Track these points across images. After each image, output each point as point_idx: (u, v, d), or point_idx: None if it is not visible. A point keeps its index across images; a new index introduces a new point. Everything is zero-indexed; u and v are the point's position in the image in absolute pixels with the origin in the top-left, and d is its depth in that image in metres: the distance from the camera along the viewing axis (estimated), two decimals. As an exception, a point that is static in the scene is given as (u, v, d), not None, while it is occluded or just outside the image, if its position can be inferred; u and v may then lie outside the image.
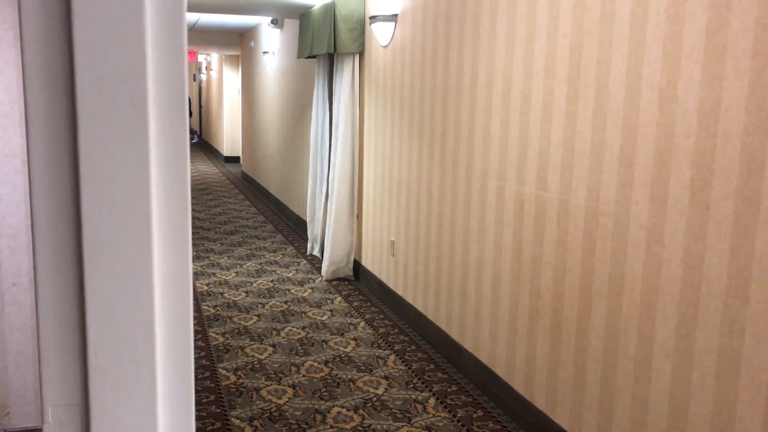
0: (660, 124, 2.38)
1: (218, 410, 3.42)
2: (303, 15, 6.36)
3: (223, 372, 3.90)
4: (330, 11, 5.37)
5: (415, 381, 3.80)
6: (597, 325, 2.76)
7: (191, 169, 13.82)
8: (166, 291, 0.88)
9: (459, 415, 3.41)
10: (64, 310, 0.79)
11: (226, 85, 15.38)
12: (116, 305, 0.78)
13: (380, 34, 4.89)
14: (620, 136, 2.58)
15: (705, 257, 2.21)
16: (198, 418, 3.33)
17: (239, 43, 12.61)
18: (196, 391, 3.62)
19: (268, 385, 3.72)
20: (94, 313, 0.78)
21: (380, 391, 3.66)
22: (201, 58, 18.69)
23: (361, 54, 5.49)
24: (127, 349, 0.79)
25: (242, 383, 3.75)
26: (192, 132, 20.56)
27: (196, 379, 3.79)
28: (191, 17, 9.80)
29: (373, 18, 4.88)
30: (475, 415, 3.41)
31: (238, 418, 3.33)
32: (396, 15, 4.74)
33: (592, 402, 2.80)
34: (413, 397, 3.60)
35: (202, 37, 12.60)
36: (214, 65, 17.32)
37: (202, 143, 20.38)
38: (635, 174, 2.51)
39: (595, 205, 2.74)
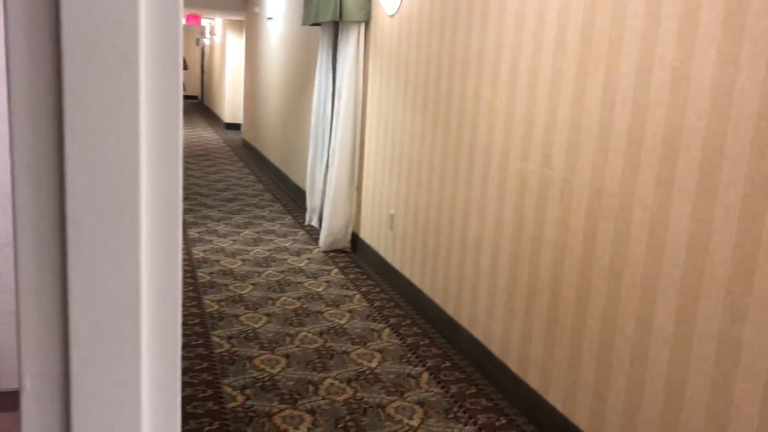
0: (671, 104, 2.33)
1: (210, 378, 3.41)
2: (309, -19, 6.24)
3: (217, 340, 3.88)
4: (336, -23, 5.26)
5: (409, 355, 3.79)
6: (595, 306, 2.73)
7: (191, 134, 13.73)
8: (154, 260, 0.83)
9: (452, 391, 3.40)
10: (46, 277, 0.75)
11: (229, 50, 15.21)
12: (99, 273, 0.74)
13: (387, 2, 4.80)
14: (629, 115, 2.53)
15: (710, 242, 2.17)
16: (190, 385, 3.32)
17: (244, 8, 12.43)
18: (189, 359, 3.60)
19: (261, 354, 3.71)
20: (77, 280, 0.74)
21: (374, 365, 3.64)
22: (204, 22, 18.46)
23: (367, 23, 5.40)
24: (111, 320, 0.75)
25: (236, 351, 3.73)
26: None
27: (189, 345, 3.78)
28: (195, -21, 9.63)
29: (380, -14, 4.78)
30: (468, 392, 3.40)
31: (230, 386, 3.32)
32: (404, -16, 4.64)
33: (586, 383, 2.79)
34: (406, 371, 3.59)
35: (206, 0, 12.42)
36: (218, 30, 17.11)
37: (203, 108, 20.23)
38: (642, 155, 2.46)
39: (600, 185, 2.69)
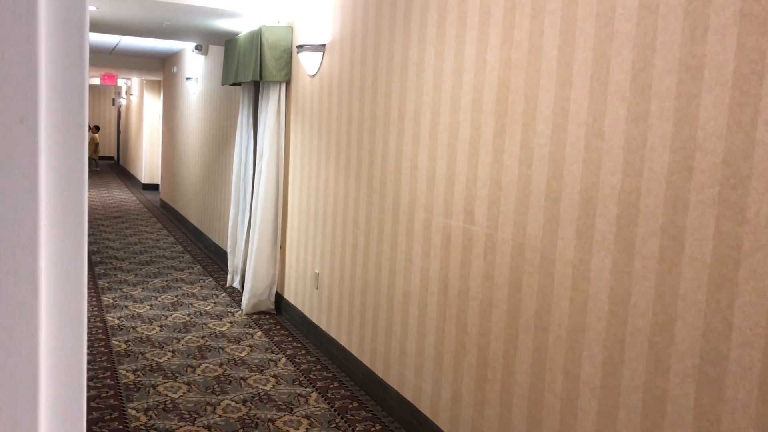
0: (586, 160, 2.40)
1: (126, 455, 3.18)
2: (228, 41, 6.24)
3: (133, 413, 3.65)
4: (256, 39, 5.27)
5: (337, 420, 3.67)
6: (523, 361, 2.73)
7: (106, 196, 13.29)
8: (56, 339, 0.75)
9: (383, 455, 3.30)
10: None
11: (147, 110, 14.95)
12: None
13: (308, 63, 4.83)
14: (547, 171, 2.59)
15: (631, 294, 2.21)
16: (103, 465, 3.09)
17: (161, 68, 12.30)
18: (102, 435, 3.36)
19: (181, 427, 3.50)
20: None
21: None
22: (121, 82, 18.14)
23: (288, 83, 5.41)
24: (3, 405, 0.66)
25: (153, 424, 3.51)
26: (91, 161, 19.75)
27: (103, 420, 3.53)
28: (111, 40, 9.48)
29: (300, 47, 4.82)
30: (399, 455, 3.30)
31: (147, 464, 3.11)
32: (324, 45, 4.70)
33: (518, 440, 2.75)
34: (335, 436, 3.46)
35: (123, 60, 12.23)
36: (135, 90, 16.84)
37: (119, 169, 19.70)
38: (561, 210, 2.51)
39: (522, 240, 2.72)
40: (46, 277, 0.74)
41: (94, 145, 19.67)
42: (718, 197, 1.93)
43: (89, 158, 19.59)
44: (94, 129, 19.87)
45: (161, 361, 4.46)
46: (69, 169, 0.76)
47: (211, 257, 7.89)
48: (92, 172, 18.63)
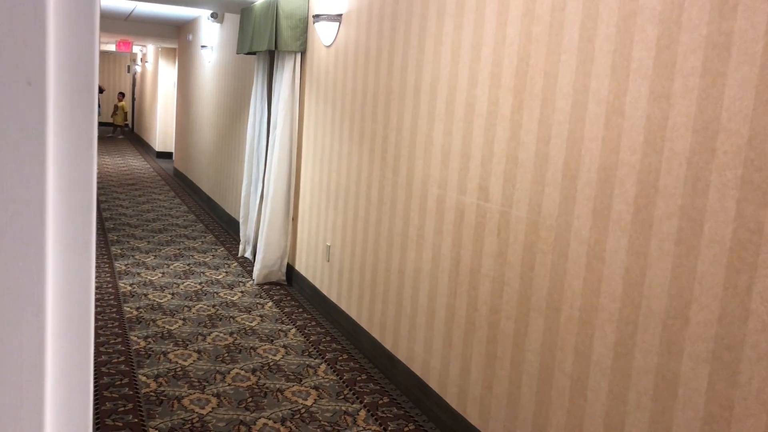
0: (605, 138, 2.35)
1: (136, 420, 3.22)
2: (244, 10, 6.18)
3: (143, 379, 3.68)
4: (272, 7, 5.21)
5: (345, 392, 3.69)
6: (534, 340, 2.71)
7: (120, 163, 13.33)
8: (64, 304, 0.74)
9: (390, 428, 3.31)
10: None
11: (161, 78, 14.92)
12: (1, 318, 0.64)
13: (324, 33, 4.77)
14: (565, 149, 2.54)
15: (646, 276, 2.18)
16: (113, 428, 3.12)
17: (177, 36, 12.23)
18: (113, 400, 3.40)
19: (190, 394, 3.53)
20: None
21: (309, 402, 3.52)
22: (136, 49, 18.08)
23: (303, 53, 5.35)
24: (11, 375, 0.65)
25: (163, 391, 3.54)
26: (117, 128, 19.61)
27: (113, 386, 3.57)
28: (127, 6, 9.43)
29: (316, 17, 4.76)
30: (406, 429, 3.32)
31: (157, 429, 3.14)
32: (340, 15, 4.63)
33: (526, 418, 2.75)
34: (343, 408, 3.48)
35: (138, 27, 12.16)
36: (150, 57, 16.79)
37: (134, 137, 19.71)
38: (578, 188, 2.47)
39: (537, 218, 2.69)
40: (53, 243, 0.72)
41: (123, 113, 19.23)
42: (740, 179, 1.88)
43: (116, 126, 19.35)
44: (120, 96, 19.45)
45: (172, 328, 4.49)
46: (78, 134, 0.74)
47: (223, 227, 7.91)
48: (108, 139, 18.61)
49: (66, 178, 0.72)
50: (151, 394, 3.51)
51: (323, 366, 4.02)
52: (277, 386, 3.70)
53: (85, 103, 0.74)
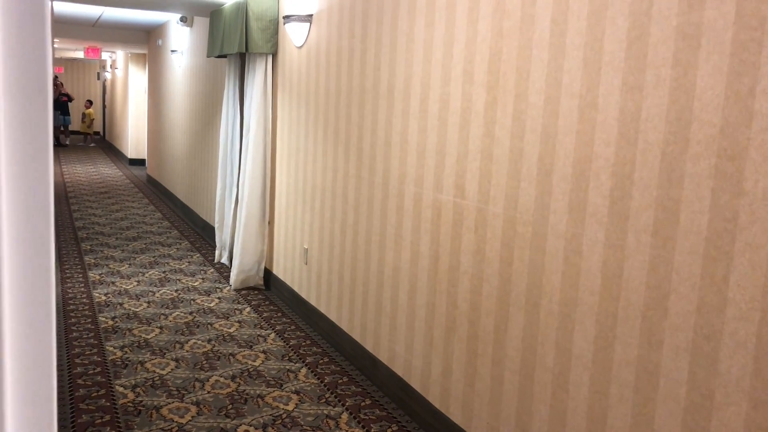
0: (579, 132, 2.35)
1: (113, 432, 3.16)
2: (214, 12, 6.11)
3: (121, 389, 3.61)
4: (242, 9, 5.16)
5: (327, 395, 3.65)
6: (514, 336, 2.70)
7: (91, 171, 13.13)
8: (25, 305, 0.71)
9: (373, 430, 3.28)
10: None
11: (132, 84, 14.74)
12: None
13: (295, 34, 4.73)
14: (539, 144, 2.54)
15: (624, 268, 2.18)
16: (90, 442, 3.05)
17: (146, 41, 12.09)
18: (89, 412, 3.33)
19: (169, 403, 3.47)
20: None
21: (290, 407, 3.48)
22: (105, 55, 17.85)
23: (275, 54, 5.31)
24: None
25: (141, 401, 3.48)
26: (85, 136, 19.39)
27: (90, 397, 3.50)
28: (94, 11, 9.28)
29: (287, 18, 4.71)
30: (389, 430, 3.29)
31: (135, 441, 3.08)
32: (311, 15, 4.60)
33: (509, 415, 2.74)
34: (325, 412, 3.45)
35: (107, 33, 11.99)
36: (120, 63, 16.58)
37: (105, 144, 19.46)
38: (554, 182, 2.47)
39: (513, 214, 2.68)
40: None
41: (90, 120, 19.25)
42: (714, 169, 1.89)
43: (86, 134, 19.26)
44: (88, 104, 19.42)
45: (149, 337, 4.42)
46: (33, 137, 0.71)
47: (198, 233, 7.82)
48: (80, 147, 18.37)
49: (21, 179, 0.69)
50: (129, 404, 3.44)
51: (304, 370, 3.98)
52: (258, 392, 3.65)
53: (38, 107, 0.71)
